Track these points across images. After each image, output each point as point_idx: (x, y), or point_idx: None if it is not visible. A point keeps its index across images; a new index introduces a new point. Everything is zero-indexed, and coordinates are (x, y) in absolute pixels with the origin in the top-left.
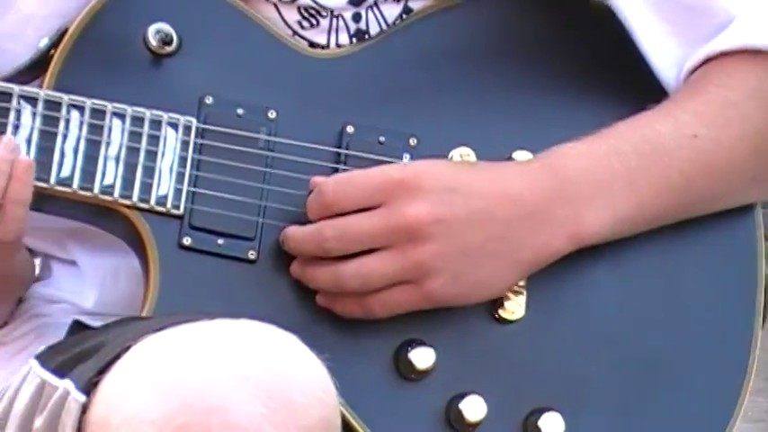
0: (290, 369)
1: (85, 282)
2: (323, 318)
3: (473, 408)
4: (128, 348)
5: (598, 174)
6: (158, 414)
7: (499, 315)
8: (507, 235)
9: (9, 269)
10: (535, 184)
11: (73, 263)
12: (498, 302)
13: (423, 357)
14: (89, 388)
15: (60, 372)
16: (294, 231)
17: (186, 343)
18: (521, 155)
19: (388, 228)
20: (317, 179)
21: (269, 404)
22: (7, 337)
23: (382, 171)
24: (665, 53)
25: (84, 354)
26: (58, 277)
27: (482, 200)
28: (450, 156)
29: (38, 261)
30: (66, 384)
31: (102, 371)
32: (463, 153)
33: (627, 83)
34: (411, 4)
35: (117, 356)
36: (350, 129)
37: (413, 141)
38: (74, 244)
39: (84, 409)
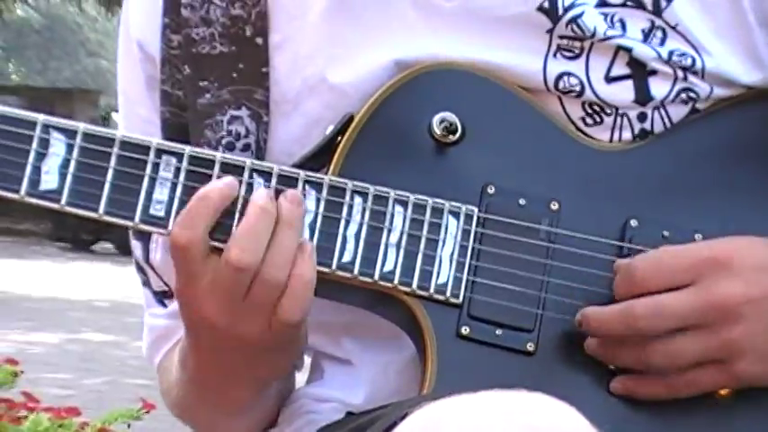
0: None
1: (357, 379)
2: (600, 411)
3: None
4: (404, 416)
5: None
6: None
7: None
8: None
9: (289, 350)
10: None
11: (345, 361)
12: None
13: None
14: None
15: None
16: (598, 311)
17: (465, 407)
18: None
19: (702, 306)
20: (622, 261)
21: None
22: None
23: (691, 248)
24: None
25: (358, 428)
26: (330, 377)
27: None
28: None
29: (308, 362)
30: None
31: None
32: None
33: None
34: (699, 106)
35: (394, 424)
36: (633, 222)
37: (698, 237)
38: (349, 341)
39: None
